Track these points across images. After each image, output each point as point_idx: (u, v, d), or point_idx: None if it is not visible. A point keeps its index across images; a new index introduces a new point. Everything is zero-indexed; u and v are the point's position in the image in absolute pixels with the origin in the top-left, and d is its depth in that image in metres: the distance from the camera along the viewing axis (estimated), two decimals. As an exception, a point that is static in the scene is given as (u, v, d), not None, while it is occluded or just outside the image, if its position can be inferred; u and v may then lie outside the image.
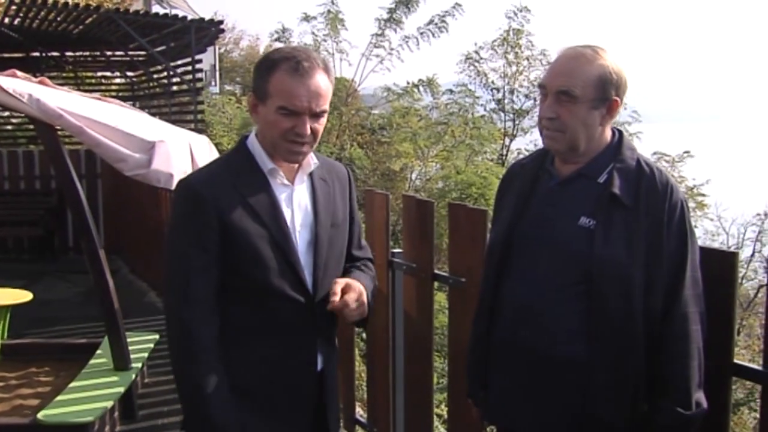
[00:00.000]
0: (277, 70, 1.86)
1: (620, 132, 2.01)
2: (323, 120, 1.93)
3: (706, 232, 16.71)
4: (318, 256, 1.98)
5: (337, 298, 1.92)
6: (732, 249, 17.70)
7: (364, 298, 2.00)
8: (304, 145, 1.90)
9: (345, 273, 2.13)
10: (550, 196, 2.00)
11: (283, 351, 1.95)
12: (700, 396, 1.89)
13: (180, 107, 10.28)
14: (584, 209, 1.91)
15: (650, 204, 1.87)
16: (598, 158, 1.96)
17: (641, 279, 1.85)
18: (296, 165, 1.99)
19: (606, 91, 1.89)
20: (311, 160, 2.00)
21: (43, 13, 8.16)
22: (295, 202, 1.98)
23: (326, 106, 1.90)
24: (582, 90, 1.87)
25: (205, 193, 1.86)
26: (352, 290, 1.96)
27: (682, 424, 1.86)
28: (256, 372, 1.94)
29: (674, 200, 1.88)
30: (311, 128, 1.88)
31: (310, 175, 2.03)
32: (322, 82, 1.88)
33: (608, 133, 1.99)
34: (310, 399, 2.03)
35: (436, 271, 3.24)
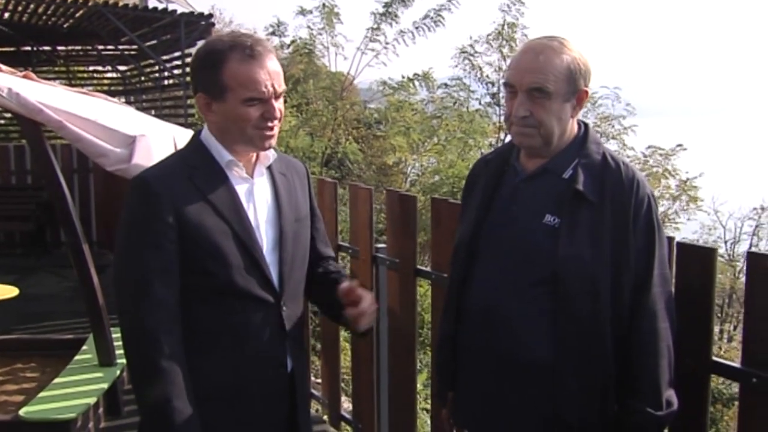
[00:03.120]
0: (228, 61, 1.77)
1: (586, 125, 1.97)
2: (282, 98, 1.87)
3: (702, 226, 16.66)
4: (284, 252, 1.90)
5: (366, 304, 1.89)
6: (729, 243, 17.73)
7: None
8: (273, 128, 1.84)
9: (328, 275, 2.07)
10: (515, 193, 1.94)
11: (251, 354, 1.85)
12: (670, 395, 1.84)
13: (174, 101, 10.24)
14: (549, 206, 1.86)
15: (616, 200, 1.82)
16: (564, 153, 1.90)
17: (608, 278, 1.79)
18: (254, 157, 1.92)
19: (575, 83, 1.84)
20: (269, 153, 1.93)
21: (32, 6, 8.11)
22: (257, 196, 1.90)
23: (284, 85, 1.85)
24: (554, 85, 1.81)
25: (159, 188, 1.76)
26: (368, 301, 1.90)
27: (653, 424, 1.82)
28: (225, 377, 1.84)
29: (641, 195, 1.83)
30: (278, 109, 1.82)
31: (269, 169, 1.96)
32: (276, 61, 1.82)
33: (575, 126, 1.93)
34: (282, 402, 1.95)
35: (419, 267, 3.22)
